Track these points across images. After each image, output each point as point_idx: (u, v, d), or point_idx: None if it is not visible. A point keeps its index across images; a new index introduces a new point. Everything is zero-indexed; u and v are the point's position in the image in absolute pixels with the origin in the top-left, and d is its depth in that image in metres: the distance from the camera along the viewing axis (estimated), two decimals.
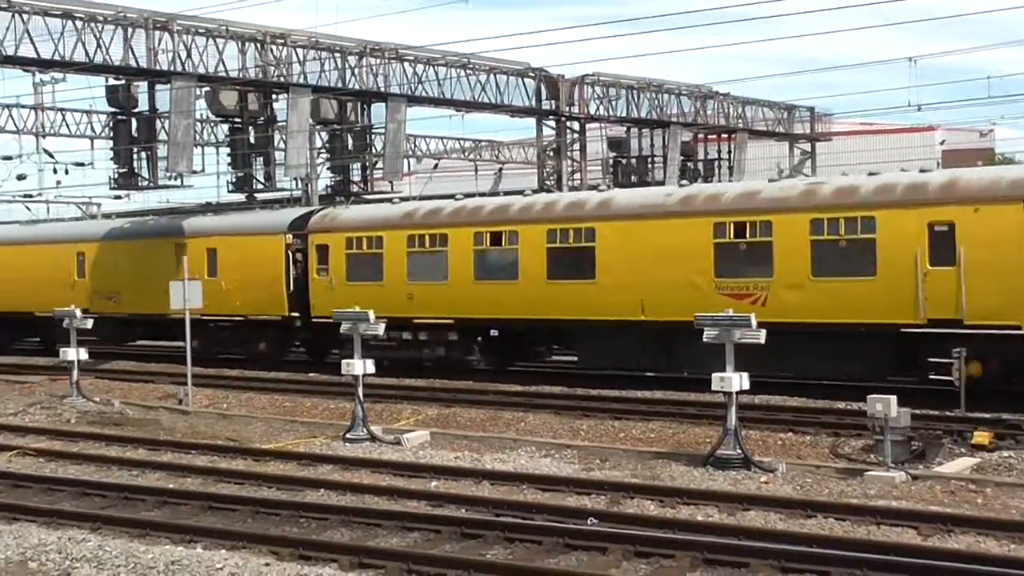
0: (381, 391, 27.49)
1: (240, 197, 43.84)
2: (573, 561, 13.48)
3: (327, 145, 44.53)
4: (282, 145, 41.18)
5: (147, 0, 37.92)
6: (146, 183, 39.91)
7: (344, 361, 23.27)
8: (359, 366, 22.79)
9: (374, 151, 44.43)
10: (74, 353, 29.46)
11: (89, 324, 29.89)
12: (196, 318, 31.05)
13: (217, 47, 38.30)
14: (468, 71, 45.86)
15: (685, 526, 14.53)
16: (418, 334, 30.93)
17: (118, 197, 52.11)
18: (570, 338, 30.07)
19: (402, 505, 16.37)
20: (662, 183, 48.85)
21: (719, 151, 57.13)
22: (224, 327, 35.79)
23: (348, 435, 22.50)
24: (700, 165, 56.32)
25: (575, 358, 30.99)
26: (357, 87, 42.21)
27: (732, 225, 25.68)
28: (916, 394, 22.45)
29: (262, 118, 40.98)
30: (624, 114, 51.77)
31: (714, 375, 18.96)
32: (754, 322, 18.80)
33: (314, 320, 33.01)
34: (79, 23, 35.22)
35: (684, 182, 43.75)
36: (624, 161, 53.66)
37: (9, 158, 49.57)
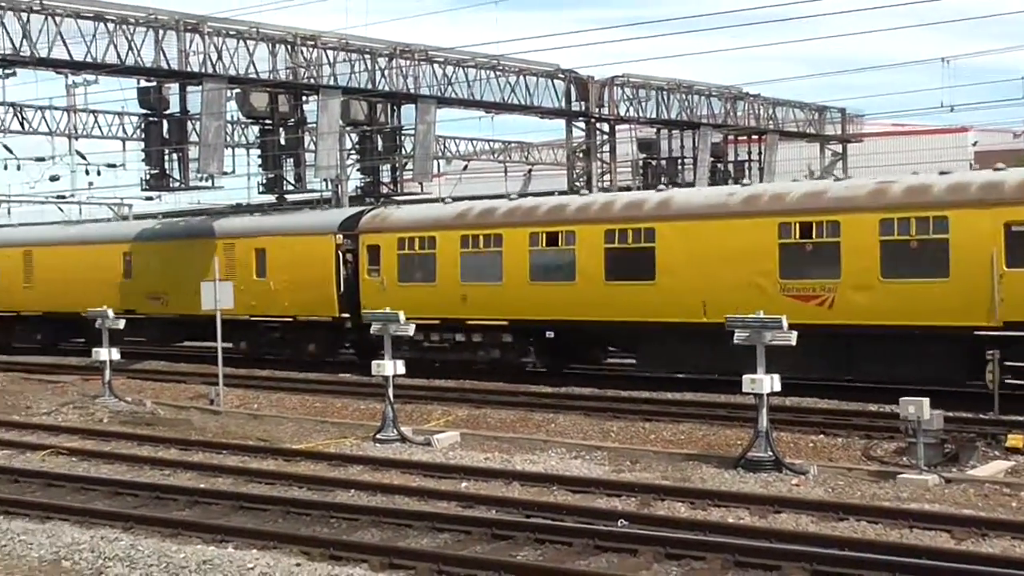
0: (411, 392, 27.49)
1: (270, 198, 44.03)
2: (603, 563, 13.45)
3: (357, 146, 44.57)
4: (312, 146, 41.25)
5: (178, 2, 38.18)
6: (177, 184, 40.06)
7: (375, 362, 23.32)
8: (389, 367, 22.84)
9: (404, 152, 44.51)
10: (106, 353, 29.65)
11: (121, 324, 30.02)
12: (245, 319, 31.08)
13: (248, 49, 38.37)
14: (498, 72, 45.83)
15: (716, 528, 14.49)
16: (472, 336, 30.75)
17: (149, 198, 52.61)
18: (628, 340, 29.73)
19: (432, 506, 16.39)
20: (692, 184, 48.73)
21: (749, 152, 56.83)
22: (273, 328, 35.65)
23: (378, 436, 22.56)
24: (730, 166, 56.11)
25: (633, 361, 30.48)
26: (387, 88, 42.25)
27: (798, 225, 25.27)
28: (949, 396, 22.26)
29: (292, 119, 41.07)
30: (654, 115, 51.56)
31: (744, 376, 18.86)
32: (785, 324, 18.67)
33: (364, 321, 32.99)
34: (111, 25, 35.40)
35: (747, 181, 42.84)
36: (654, 163, 53.44)
37: (42, 159, 49.86)
